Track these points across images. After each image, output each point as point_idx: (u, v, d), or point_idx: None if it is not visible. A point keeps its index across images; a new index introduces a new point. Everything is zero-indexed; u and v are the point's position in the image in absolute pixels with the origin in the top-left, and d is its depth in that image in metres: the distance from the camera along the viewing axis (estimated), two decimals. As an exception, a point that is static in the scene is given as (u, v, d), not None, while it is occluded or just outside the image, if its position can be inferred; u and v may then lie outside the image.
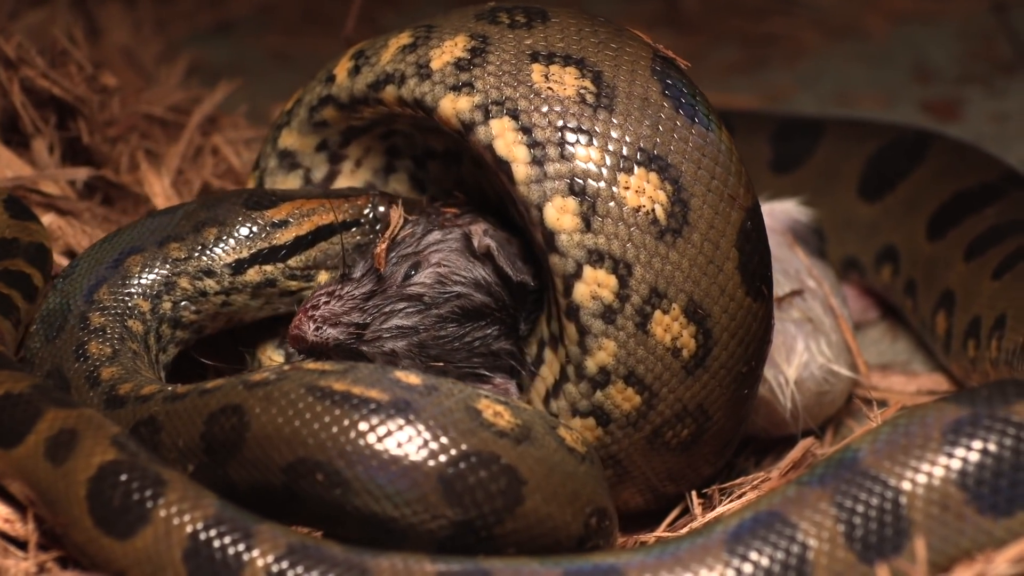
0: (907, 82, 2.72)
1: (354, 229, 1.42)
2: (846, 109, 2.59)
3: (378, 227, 1.42)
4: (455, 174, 1.53)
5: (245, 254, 1.40)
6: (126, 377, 1.32)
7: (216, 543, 1.12)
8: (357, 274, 1.40)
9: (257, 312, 1.45)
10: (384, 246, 1.38)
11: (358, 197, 1.44)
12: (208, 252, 1.40)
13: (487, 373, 1.41)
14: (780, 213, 1.74)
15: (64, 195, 1.73)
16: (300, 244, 1.41)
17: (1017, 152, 2.28)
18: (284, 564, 1.11)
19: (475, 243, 1.41)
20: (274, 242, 1.40)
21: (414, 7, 3.16)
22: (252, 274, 1.41)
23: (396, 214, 1.41)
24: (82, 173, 1.75)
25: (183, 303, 1.41)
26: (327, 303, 1.37)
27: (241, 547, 1.11)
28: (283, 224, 1.40)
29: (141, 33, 2.61)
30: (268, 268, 1.40)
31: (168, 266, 1.40)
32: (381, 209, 1.43)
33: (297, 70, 2.63)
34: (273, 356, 1.50)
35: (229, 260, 1.40)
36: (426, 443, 1.16)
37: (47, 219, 1.64)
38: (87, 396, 1.31)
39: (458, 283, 1.38)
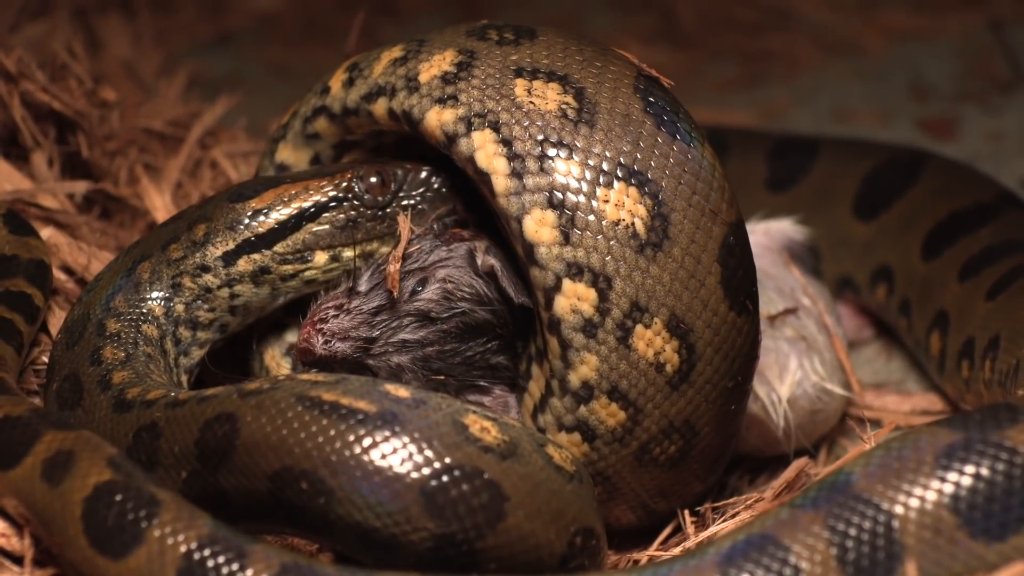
0: (904, 99, 2.72)
1: (345, 204, 1.42)
2: (842, 126, 2.60)
3: (366, 197, 1.42)
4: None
5: (232, 246, 1.42)
6: (135, 381, 1.34)
7: (210, 563, 1.12)
8: (363, 287, 1.41)
9: (272, 300, 1.46)
10: (397, 267, 1.38)
11: (344, 173, 1.44)
12: (200, 248, 1.42)
13: (486, 384, 1.42)
14: (776, 232, 1.75)
15: (63, 209, 1.74)
16: (284, 229, 1.42)
17: (1013, 171, 2.28)
18: (278, 583, 1.11)
19: (478, 261, 1.42)
20: (257, 231, 1.41)
21: (413, 22, 3.17)
22: (243, 264, 1.42)
23: (405, 226, 1.41)
24: (81, 187, 1.76)
25: (196, 303, 1.43)
26: (335, 317, 1.38)
27: (235, 566, 1.12)
28: (264, 212, 1.41)
29: (141, 45, 2.62)
30: (256, 257, 1.42)
31: (171, 268, 1.43)
32: (373, 180, 1.42)
33: (297, 83, 2.63)
34: (281, 363, 1.51)
35: (219, 253, 1.42)
36: (410, 455, 1.16)
37: (46, 233, 1.65)
38: (98, 399, 1.33)
39: (463, 299, 1.39)
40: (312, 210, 1.41)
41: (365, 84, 1.42)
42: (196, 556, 1.12)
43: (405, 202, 1.43)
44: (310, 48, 3.10)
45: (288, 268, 1.43)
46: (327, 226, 1.41)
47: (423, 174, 1.44)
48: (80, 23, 2.53)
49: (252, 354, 1.54)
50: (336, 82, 1.45)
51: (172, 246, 1.43)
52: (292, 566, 1.12)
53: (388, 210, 1.43)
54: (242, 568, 1.12)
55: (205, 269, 1.42)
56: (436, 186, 1.44)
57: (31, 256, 1.51)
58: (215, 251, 1.41)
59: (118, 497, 1.16)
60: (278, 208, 1.41)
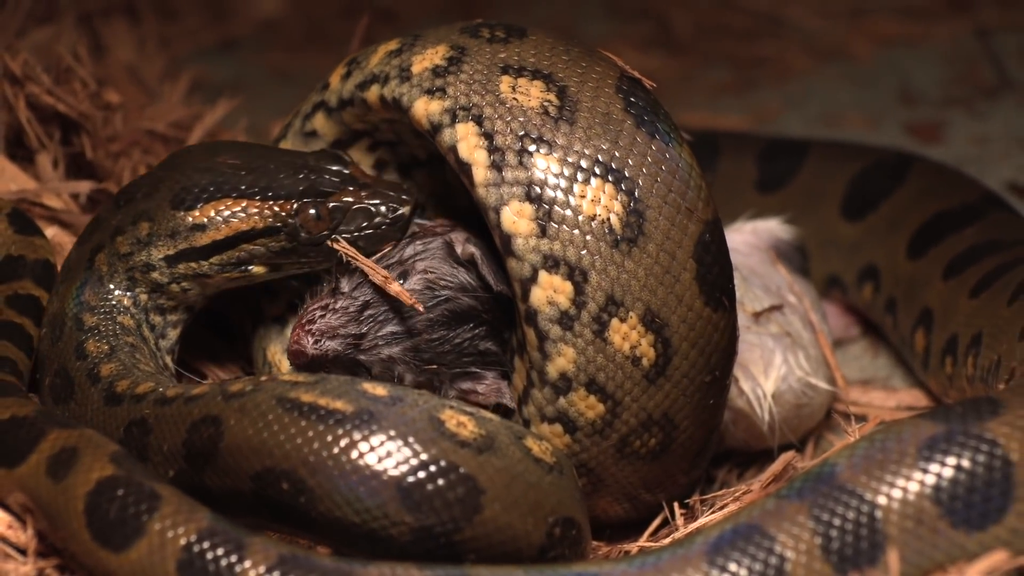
0: (892, 104, 2.74)
1: (280, 235, 1.42)
2: (832, 130, 2.62)
3: (302, 235, 1.41)
4: (440, 180, 1.57)
5: (172, 252, 1.42)
6: (124, 373, 1.36)
7: (209, 555, 1.15)
8: (346, 288, 1.44)
9: (221, 288, 1.47)
10: (399, 285, 1.39)
11: (284, 201, 1.41)
12: (145, 248, 1.43)
13: (479, 371, 1.44)
14: (763, 231, 1.78)
15: (67, 208, 1.76)
16: (219, 247, 1.42)
17: (998, 174, 2.31)
18: (276, 574, 1.13)
19: (458, 251, 1.44)
20: (193, 244, 1.42)
21: (414, 28, 3.20)
22: (183, 268, 1.43)
23: (339, 248, 1.41)
24: (85, 187, 1.78)
25: (154, 293, 1.45)
26: (323, 317, 1.41)
27: (233, 558, 1.14)
28: (201, 227, 1.41)
29: (145, 51, 2.64)
30: (194, 265, 1.43)
31: (123, 262, 1.44)
32: (311, 212, 1.40)
33: (298, 88, 2.66)
34: (282, 360, 1.53)
35: (160, 256, 1.43)
36: (387, 453, 1.19)
37: (50, 232, 1.67)
38: (89, 392, 1.35)
39: (446, 287, 1.42)
40: (247, 233, 1.41)
41: (361, 74, 1.46)
42: (196, 548, 1.15)
43: (344, 236, 1.42)
44: (312, 54, 3.12)
45: (227, 275, 1.44)
46: (262, 248, 1.42)
47: (364, 209, 1.42)
48: (85, 28, 2.55)
49: (255, 350, 1.57)
50: (335, 77, 1.49)
51: (119, 239, 1.44)
52: (290, 557, 1.14)
53: (326, 243, 1.42)
54: (240, 560, 1.14)
55: (151, 268, 1.43)
56: (376, 223, 1.42)
57: (37, 256, 1.53)
58: (157, 253, 1.42)
59: (120, 491, 1.18)
60: (216, 225, 1.41)
